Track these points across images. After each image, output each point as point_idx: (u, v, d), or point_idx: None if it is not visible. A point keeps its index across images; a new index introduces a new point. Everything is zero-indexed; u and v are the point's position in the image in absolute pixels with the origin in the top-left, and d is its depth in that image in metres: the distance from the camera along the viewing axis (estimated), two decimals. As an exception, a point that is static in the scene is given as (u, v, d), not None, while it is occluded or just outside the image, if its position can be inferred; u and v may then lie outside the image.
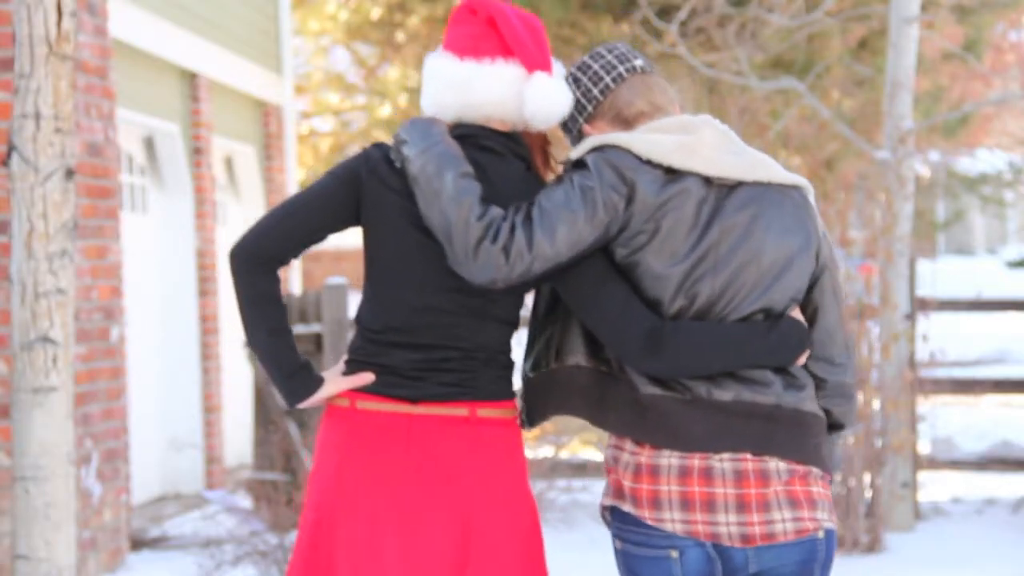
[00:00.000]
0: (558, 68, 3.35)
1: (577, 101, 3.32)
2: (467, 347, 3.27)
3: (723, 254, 3.18)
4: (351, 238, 28.21)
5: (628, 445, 3.23)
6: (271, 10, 13.63)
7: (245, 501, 9.66)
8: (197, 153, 11.06)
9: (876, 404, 8.55)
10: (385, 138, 16.15)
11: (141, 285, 10.40)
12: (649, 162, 3.18)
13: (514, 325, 3.35)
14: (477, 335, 3.28)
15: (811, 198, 3.34)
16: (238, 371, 12.01)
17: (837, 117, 10.63)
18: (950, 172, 21.55)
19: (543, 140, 3.38)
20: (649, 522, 3.18)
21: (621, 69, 3.30)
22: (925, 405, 9.20)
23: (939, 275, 10.66)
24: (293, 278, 13.60)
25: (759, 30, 11.06)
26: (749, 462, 3.18)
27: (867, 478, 8.40)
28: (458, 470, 3.25)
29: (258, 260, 3.26)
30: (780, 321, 3.22)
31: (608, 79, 3.30)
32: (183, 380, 10.93)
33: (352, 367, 3.33)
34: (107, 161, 8.05)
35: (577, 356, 3.27)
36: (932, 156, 20.01)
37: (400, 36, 15.03)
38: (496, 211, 3.14)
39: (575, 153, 3.24)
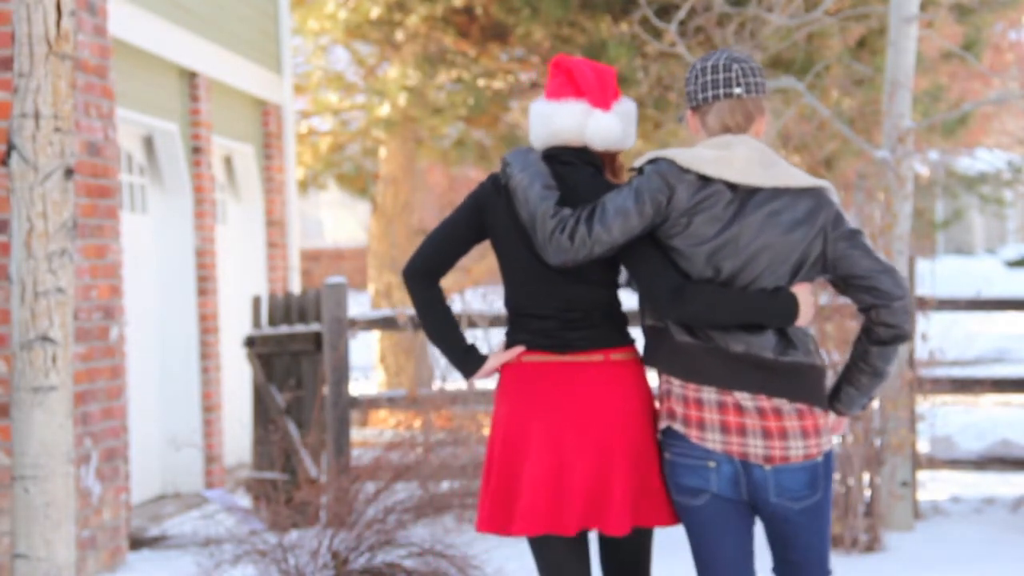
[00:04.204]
0: (623, 104, 4.51)
1: (689, 92, 4.35)
2: (586, 306, 4.41)
3: (743, 243, 4.20)
4: (349, 239, 28.22)
5: (675, 381, 4.30)
6: (270, 9, 13.63)
7: (244, 500, 9.66)
8: (196, 152, 11.06)
9: (875, 403, 8.55)
10: (384, 137, 16.13)
11: (141, 284, 10.40)
12: (688, 170, 4.21)
13: (614, 285, 4.46)
14: (587, 295, 4.41)
15: (832, 196, 4.29)
16: (238, 370, 12.01)
17: (836, 116, 10.63)
18: (949, 172, 21.52)
19: (612, 158, 4.53)
20: (694, 440, 4.25)
21: (721, 92, 4.30)
22: (924, 404, 9.21)
23: (938, 274, 10.67)
24: (293, 278, 13.60)
25: (758, 29, 11.04)
26: (765, 401, 4.23)
27: (866, 477, 8.41)
28: (597, 398, 4.38)
29: (422, 275, 4.47)
30: (779, 293, 4.23)
31: (709, 94, 4.31)
32: (182, 379, 10.93)
33: (510, 336, 4.49)
34: (106, 160, 8.05)
35: (645, 318, 4.37)
36: (931, 155, 20.00)
37: (399, 35, 15.00)
38: (566, 211, 4.26)
39: (637, 163, 4.34)
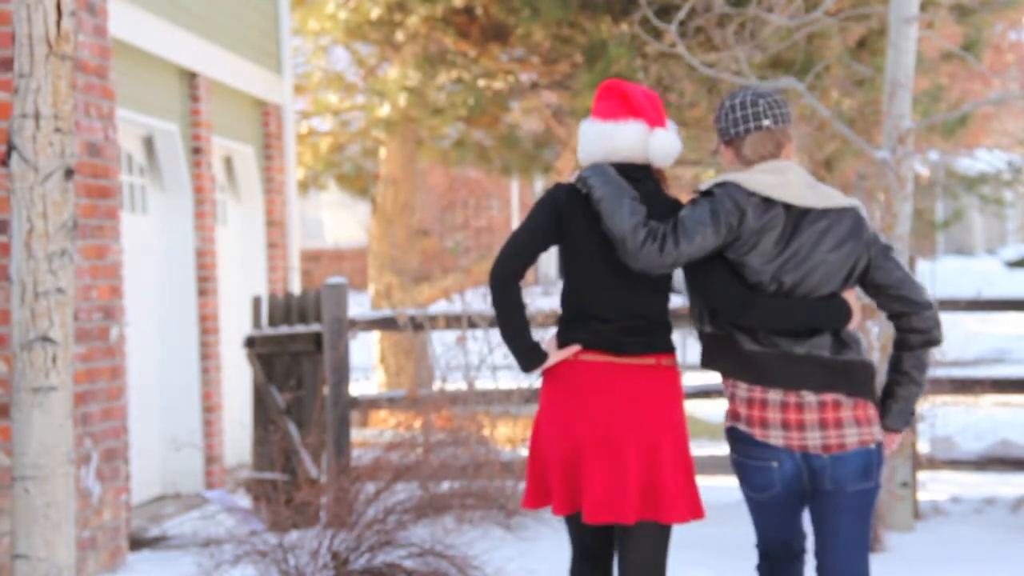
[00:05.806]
0: (671, 125, 4.98)
1: (722, 128, 4.90)
2: (646, 315, 4.89)
3: (801, 258, 4.77)
4: (349, 239, 28.23)
5: (742, 385, 4.82)
6: (271, 10, 13.63)
7: (244, 501, 9.66)
8: (197, 153, 11.06)
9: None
10: (384, 137, 16.13)
11: (141, 285, 10.40)
12: (754, 194, 4.76)
13: (667, 296, 4.95)
14: (648, 305, 4.90)
15: (863, 212, 4.89)
16: (238, 371, 12.01)
17: (836, 117, 10.63)
18: (949, 172, 21.52)
19: (661, 172, 5.01)
20: (758, 438, 4.78)
21: (752, 125, 4.87)
22: (924, 405, 9.21)
23: (938, 275, 10.67)
24: (293, 278, 13.59)
25: (758, 30, 11.04)
26: (827, 395, 4.75)
27: (866, 478, 8.40)
28: (648, 397, 4.86)
29: (506, 277, 4.90)
30: (832, 300, 4.79)
31: (741, 128, 4.87)
32: (183, 380, 10.93)
33: (563, 337, 4.93)
34: (107, 161, 8.05)
35: (704, 325, 4.87)
36: (931, 156, 20.00)
37: (400, 35, 14.99)
38: (654, 224, 4.77)
39: (704, 186, 4.86)
